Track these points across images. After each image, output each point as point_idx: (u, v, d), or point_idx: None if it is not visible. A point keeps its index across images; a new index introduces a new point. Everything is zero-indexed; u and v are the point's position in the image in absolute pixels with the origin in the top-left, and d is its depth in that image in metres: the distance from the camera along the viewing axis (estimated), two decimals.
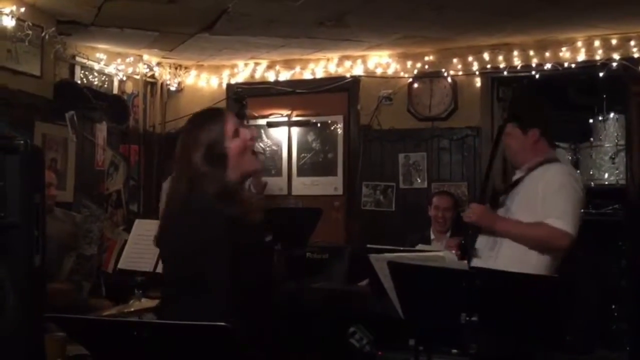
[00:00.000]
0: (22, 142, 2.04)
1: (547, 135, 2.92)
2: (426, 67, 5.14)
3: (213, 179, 2.02)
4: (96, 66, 4.99)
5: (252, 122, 5.56)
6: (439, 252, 2.76)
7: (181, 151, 2.09)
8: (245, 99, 4.62)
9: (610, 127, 4.92)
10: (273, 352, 2.05)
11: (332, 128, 5.55)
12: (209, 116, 2.17)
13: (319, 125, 5.56)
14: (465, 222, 2.88)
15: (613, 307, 4.89)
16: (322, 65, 5.42)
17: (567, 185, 2.74)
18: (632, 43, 4.56)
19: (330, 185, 5.50)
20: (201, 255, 1.96)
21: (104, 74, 5.10)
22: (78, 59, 4.81)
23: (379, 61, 5.27)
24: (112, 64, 5.14)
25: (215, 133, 2.06)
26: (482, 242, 2.85)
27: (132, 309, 2.87)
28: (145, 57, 5.42)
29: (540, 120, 2.94)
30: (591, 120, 5.07)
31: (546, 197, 2.72)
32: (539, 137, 2.88)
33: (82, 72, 4.88)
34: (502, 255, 2.76)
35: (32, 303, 1.99)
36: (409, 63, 5.17)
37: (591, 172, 4.94)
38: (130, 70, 5.31)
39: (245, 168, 2.10)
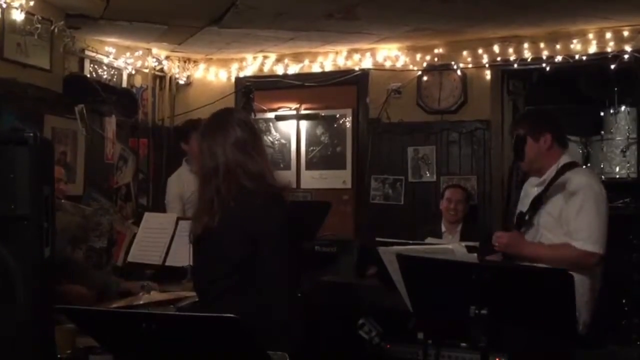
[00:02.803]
0: (31, 134, 2.04)
1: (559, 137, 2.90)
2: (436, 59, 5.11)
3: (256, 167, 2.14)
4: (105, 60, 5.00)
5: (260, 115, 5.57)
6: (448, 245, 2.75)
7: (210, 147, 2.18)
8: (252, 92, 4.62)
9: (622, 120, 4.88)
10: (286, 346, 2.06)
11: (341, 121, 5.53)
12: (232, 111, 2.41)
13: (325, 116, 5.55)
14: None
15: (624, 301, 4.86)
16: (330, 58, 5.40)
17: (589, 199, 2.69)
18: None
19: (339, 178, 5.49)
20: (270, 244, 2.05)
21: (113, 67, 5.10)
22: (87, 52, 4.82)
23: (388, 54, 5.25)
24: (121, 57, 5.14)
25: (245, 123, 2.21)
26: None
27: (141, 302, 2.87)
28: (154, 50, 5.42)
29: (550, 124, 2.91)
30: (602, 113, 5.02)
31: (570, 217, 2.69)
32: (552, 142, 2.86)
33: (92, 65, 4.89)
34: None
35: (42, 295, 2.00)
36: (419, 56, 5.14)
37: (602, 166, 4.89)
38: (139, 63, 5.32)
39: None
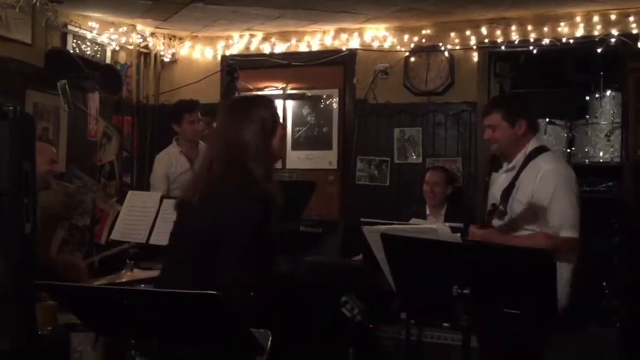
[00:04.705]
0: (11, 108, 2.01)
1: (533, 122, 2.95)
2: (423, 41, 5.09)
3: (263, 156, 2.20)
4: (89, 35, 4.91)
5: (246, 94, 5.52)
6: (432, 225, 2.76)
7: (228, 124, 2.26)
8: (236, 71, 4.57)
9: (607, 104, 4.90)
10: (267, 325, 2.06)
11: (328, 102, 5.50)
12: (261, 98, 2.48)
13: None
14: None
15: (604, 284, 4.92)
16: (318, 37, 5.36)
17: (560, 185, 2.73)
18: (631, 19, 4.51)
19: (325, 159, 5.48)
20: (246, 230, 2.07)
21: (96, 43, 5.02)
22: (70, 27, 4.73)
23: (376, 34, 5.21)
24: (105, 33, 5.06)
25: (269, 113, 2.26)
26: None
27: (124, 279, 2.86)
28: (139, 27, 5.34)
29: (526, 109, 2.96)
30: (587, 97, 5.04)
31: (543, 204, 2.71)
32: (527, 128, 2.89)
33: (75, 41, 4.80)
34: None
35: (22, 270, 1.98)
36: (406, 37, 5.11)
37: (586, 150, 4.93)
38: (123, 40, 5.24)
39: (278, 155, 2.36)
